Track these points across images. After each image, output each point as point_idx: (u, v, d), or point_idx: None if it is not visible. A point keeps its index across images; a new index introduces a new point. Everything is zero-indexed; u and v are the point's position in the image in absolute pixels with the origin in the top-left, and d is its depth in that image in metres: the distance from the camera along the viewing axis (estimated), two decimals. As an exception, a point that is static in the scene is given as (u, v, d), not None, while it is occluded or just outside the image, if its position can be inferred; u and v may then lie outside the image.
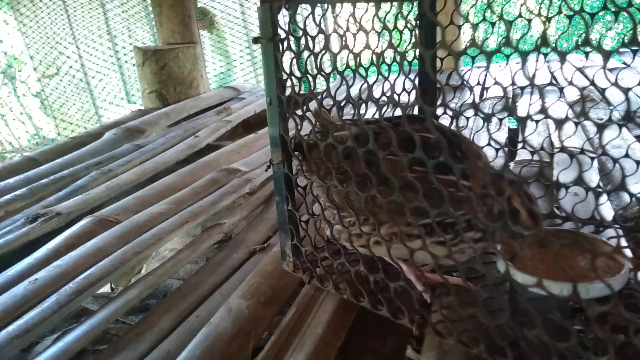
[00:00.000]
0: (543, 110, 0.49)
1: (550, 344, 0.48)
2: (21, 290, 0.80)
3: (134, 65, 2.36)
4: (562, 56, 0.47)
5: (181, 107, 2.04)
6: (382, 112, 0.58)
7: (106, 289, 1.14)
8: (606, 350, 0.48)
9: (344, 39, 0.60)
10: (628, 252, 0.71)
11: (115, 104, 3.27)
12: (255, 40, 0.62)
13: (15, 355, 0.76)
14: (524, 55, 0.44)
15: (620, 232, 0.76)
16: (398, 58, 0.69)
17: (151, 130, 1.86)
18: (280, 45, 0.62)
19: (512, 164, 1.18)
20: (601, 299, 0.57)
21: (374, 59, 0.64)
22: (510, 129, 1.49)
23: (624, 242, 0.74)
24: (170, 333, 0.69)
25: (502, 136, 1.36)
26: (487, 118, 0.49)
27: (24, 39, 3.09)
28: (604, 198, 0.90)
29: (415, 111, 0.84)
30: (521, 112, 1.48)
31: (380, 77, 0.61)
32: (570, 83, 0.76)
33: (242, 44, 3.03)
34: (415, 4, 0.79)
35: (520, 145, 1.22)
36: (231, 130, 1.86)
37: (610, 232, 0.78)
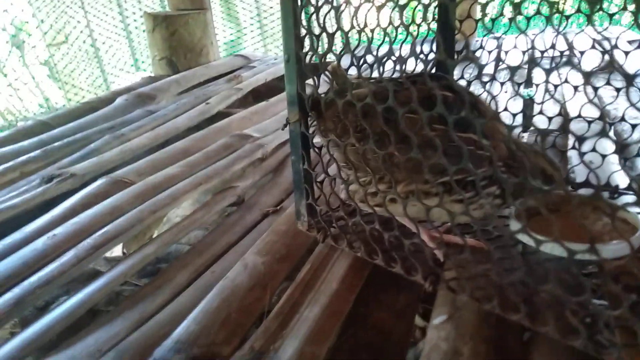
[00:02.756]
0: (559, 76, 0.48)
1: (565, 298, 0.49)
2: (40, 244, 0.82)
3: (143, 31, 2.34)
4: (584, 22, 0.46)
5: (192, 75, 2.03)
6: (403, 68, 0.57)
7: (118, 253, 1.16)
8: (619, 306, 0.49)
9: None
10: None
11: (125, 71, 3.26)
12: (275, -7, 0.62)
13: (33, 311, 0.79)
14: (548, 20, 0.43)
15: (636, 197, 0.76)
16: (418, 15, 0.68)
17: (162, 97, 1.86)
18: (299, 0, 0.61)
19: (527, 134, 1.18)
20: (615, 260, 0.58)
21: (394, 17, 0.63)
22: (525, 99, 1.47)
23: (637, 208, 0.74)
24: (186, 288, 0.71)
25: (517, 106, 1.34)
26: (504, 83, 0.48)
27: (32, 4, 3.06)
28: (618, 165, 0.90)
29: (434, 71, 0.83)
30: (537, 79, 1.46)
31: (401, 35, 0.60)
32: (593, 47, 0.74)
33: (252, 12, 2.99)
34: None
35: (537, 111, 1.21)
36: (241, 99, 1.85)
37: (626, 198, 0.78)
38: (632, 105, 0.49)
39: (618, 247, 0.60)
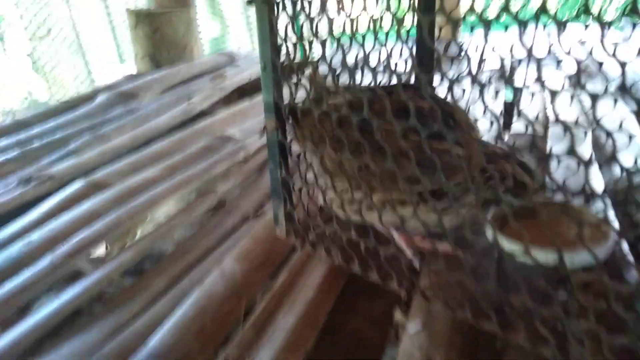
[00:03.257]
0: (539, 80, 0.49)
1: (534, 309, 0.50)
2: (16, 250, 0.81)
3: (127, 28, 2.31)
4: (561, 26, 0.46)
5: (175, 72, 2.01)
6: (378, 80, 0.57)
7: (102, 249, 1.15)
8: (586, 316, 0.50)
9: (341, 3, 0.59)
10: (616, 224, 0.73)
11: (110, 63, 3.22)
12: (250, 2, 0.61)
13: (14, 312, 0.77)
14: (523, 24, 0.44)
15: (609, 203, 0.78)
16: (395, 24, 0.68)
17: (144, 95, 1.84)
18: (276, 8, 0.61)
19: (506, 136, 1.19)
20: (586, 268, 0.59)
21: (371, 25, 0.63)
22: (506, 103, 1.48)
23: (611, 214, 0.76)
24: (164, 293, 0.70)
25: (497, 109, 1.36)
26: (484, 86, 0.48)
27: (13, -3, 3.00)
28: (595, 171, 0.91)
29: (412, 80, 0.83)
30: (518, 82, 1.47)
31: (377, 44, 0.60)
32: (568, 54, 0.75)
33: (237, 7, 2.97)
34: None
35: (515, 118, 1.22)
36: (225, 96, 1.84)
37: (601, 204, 0.79)
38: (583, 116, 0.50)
39: (586, 256, 0.61)
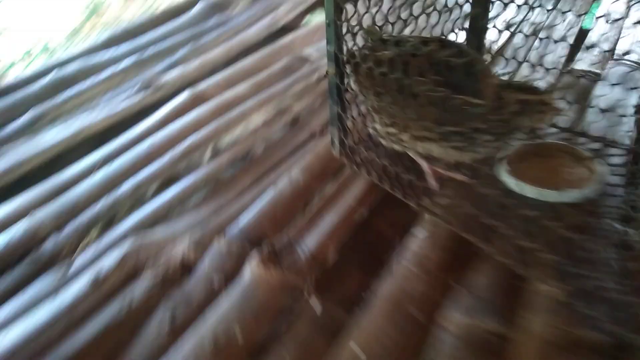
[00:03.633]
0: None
1: (507, 231, 0.70)
2: (143, 149, 1.11)
3: None
4: None
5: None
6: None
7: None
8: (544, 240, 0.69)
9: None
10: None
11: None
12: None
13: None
14: None
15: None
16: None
17: (236, 5, 2.02)
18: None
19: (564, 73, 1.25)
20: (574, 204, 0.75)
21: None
22: (582, 29, 1.50)
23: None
24: (249, 189, 0.97)
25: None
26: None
27: None
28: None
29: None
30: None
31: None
32: None
33: None
34: None
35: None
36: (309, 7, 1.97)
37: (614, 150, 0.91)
38: None
39: (575, 194, 0.77)
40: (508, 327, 0.63)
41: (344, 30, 0.81)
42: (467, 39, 1.00)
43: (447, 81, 0.74)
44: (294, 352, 0.64)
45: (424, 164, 0.86)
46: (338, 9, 0.80)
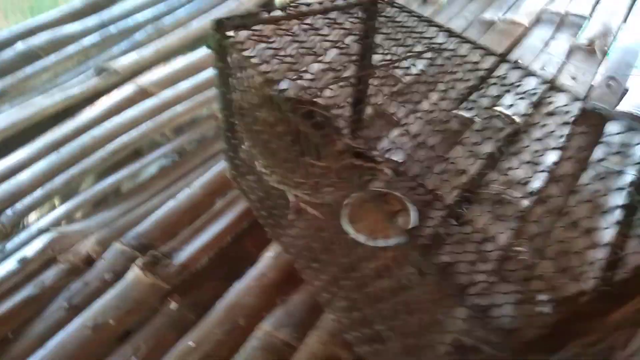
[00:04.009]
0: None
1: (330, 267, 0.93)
2: (82, 141, 1.32)
3: None
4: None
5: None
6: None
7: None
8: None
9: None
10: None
11: None
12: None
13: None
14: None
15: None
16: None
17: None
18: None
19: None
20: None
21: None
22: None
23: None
24: (162, 191, 1.20)
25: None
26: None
27: None
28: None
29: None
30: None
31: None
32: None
33: None
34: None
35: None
36: None
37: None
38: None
39: (392, 240, 1.00)
40: (297, 341, 0.88)
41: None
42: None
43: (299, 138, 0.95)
44: (149, 342, 0.89)
45: (290, 197, 1.09)
46: (224, 59, 0.98)
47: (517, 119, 1.32)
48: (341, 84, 1.16)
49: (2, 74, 1.59)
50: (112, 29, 1.85)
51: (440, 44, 1.02)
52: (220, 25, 0.91)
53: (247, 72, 0.88)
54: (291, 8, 0.97)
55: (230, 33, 0.90)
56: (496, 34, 1.72)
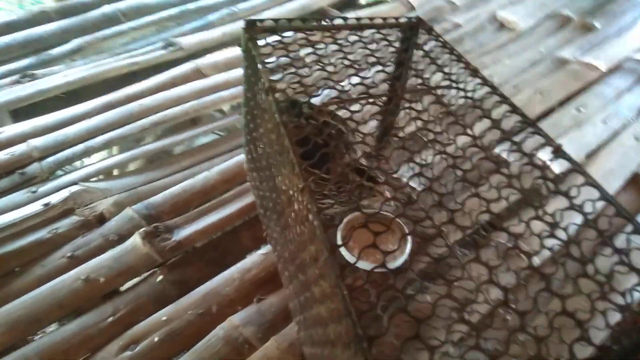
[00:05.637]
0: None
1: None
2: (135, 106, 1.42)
3: None
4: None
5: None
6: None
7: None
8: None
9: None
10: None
11: None
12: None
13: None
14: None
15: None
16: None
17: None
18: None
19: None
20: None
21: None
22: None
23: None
24: (185, 169, 1.27)
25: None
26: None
27: None
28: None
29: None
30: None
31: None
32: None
33: None
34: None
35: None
36: None
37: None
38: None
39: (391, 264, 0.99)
40: (258, 342, 0.91)
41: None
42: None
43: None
44: (128, 307, 0.96)
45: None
46: (251, 59, 1.01)
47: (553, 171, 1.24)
48: (370, 100, 1.15)
49: (83, 32, 1.74)
50: (191, 5, 1.95)
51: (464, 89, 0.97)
52: (251, 26, 0.94)
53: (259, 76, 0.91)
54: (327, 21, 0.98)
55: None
56: (566, 74, 1.61)
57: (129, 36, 1.79)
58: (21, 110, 1.43)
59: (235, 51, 1.68)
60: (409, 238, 1.03)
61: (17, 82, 1.49)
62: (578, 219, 0.69)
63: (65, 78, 1.50)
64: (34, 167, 1.23)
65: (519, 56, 1.72)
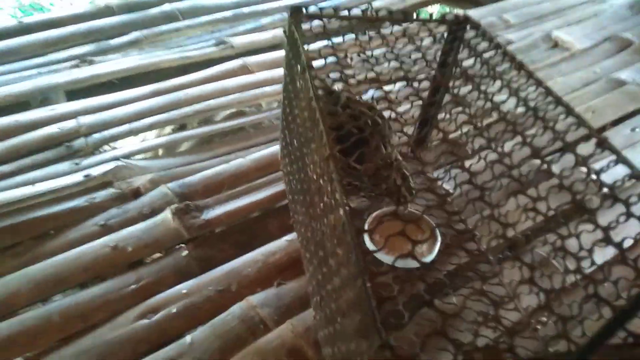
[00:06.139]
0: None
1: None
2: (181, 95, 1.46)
3: None
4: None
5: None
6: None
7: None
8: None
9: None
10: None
11: None
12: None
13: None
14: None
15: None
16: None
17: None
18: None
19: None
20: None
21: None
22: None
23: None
24: (222, 156, 1.29)
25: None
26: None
27: None
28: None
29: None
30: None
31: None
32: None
33: None
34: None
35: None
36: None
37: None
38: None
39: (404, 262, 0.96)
40: (274, 324, 0.89)
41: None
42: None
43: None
44: (152, 276, 0.97)
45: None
46: (293, 46, 1.02)
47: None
48: (412, 98, 1.13)
49: (142, 26, 1.83)
50: (245, 9, 2.01)
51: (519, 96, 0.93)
52: (297, 12, 0.95)
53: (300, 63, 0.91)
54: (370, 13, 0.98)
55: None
56: (621, 94, 1.54)
57: (184, 33, 1.87)
58: (76, 92, 1.51)
59: (283, 53, 1.71)
60: (439, 237, 0.99)
61: (76, 66, 1.58)
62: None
63: (120, 65, 1.58)
64: (80, 142, 1.28)
65: (572, 75, 1.66)
